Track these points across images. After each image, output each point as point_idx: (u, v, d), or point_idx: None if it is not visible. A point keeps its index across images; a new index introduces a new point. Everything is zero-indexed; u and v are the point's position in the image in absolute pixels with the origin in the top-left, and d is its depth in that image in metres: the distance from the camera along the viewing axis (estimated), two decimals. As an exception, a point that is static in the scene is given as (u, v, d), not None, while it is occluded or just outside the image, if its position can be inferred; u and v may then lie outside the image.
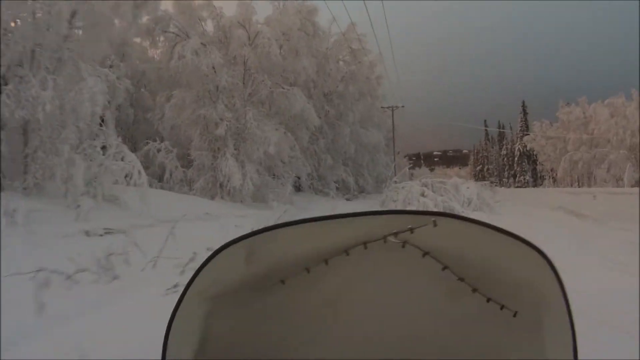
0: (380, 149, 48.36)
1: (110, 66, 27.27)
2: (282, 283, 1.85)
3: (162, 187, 23.35)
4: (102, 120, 23.74)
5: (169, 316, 1.48)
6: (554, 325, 1.54)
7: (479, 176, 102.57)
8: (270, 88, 23.91)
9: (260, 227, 1.58)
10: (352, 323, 1.99)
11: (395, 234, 1.60)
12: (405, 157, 69.81)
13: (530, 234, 1.68)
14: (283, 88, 24.20)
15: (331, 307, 1.97)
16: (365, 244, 1.70)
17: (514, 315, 1.74)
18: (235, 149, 22.45)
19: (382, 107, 52.22)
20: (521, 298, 1.70)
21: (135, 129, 28.27)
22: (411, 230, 1.56)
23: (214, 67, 22.29)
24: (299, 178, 30.51)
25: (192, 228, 12.47)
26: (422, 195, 20.31)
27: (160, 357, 1.47)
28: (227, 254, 1.52)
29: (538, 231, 15.06)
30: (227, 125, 21.85)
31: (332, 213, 1.62)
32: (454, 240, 1.65)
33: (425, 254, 1.75)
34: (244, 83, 23.71)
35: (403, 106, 57.51)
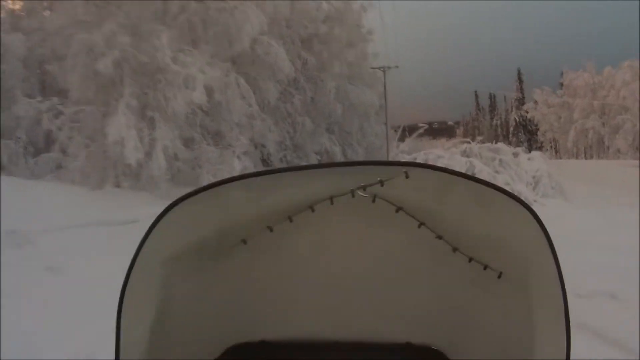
0: (372, 115, 38.58)
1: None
2: (244, 243, 1.61)
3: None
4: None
5: (122, 283, 1.23)
6: (542, 286, 1.33)
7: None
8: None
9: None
10: (324, 287, 1.75)
11: (364, 187, 1.37)
12: (391, 129, 60.10)
13: None
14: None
15: (299, 269, 1.74)
16: (331, 198, 1.47)
17: (499, 277, 1.53)
18: (139, 99, 12.50)
19: (372, 68, 42.15)
20: (506, 257, 1.49)
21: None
22: (381, 182, 1.34)
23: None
24: (264, 147, 20.65)
25: None
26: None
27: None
28: (180, 210, 1.29)
29: None
30: (119, 56, 11.85)
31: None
32: (430, 194, 1.43)
33: (399, 209, 1.55)
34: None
35: (397, 67, 47.59)
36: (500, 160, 12.56)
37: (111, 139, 11.30)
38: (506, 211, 1.29)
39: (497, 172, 11.65)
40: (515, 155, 13.62)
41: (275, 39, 19.55)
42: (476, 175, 10.80)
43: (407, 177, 1.29)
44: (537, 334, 1.37)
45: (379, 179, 1.33)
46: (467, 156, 12.51)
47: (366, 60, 36.09)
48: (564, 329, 1.23)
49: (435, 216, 1.54)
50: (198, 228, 1.45)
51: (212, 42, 14.68)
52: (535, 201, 11.23)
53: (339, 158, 27.82)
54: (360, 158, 34.67)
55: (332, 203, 1.48)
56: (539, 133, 72.69)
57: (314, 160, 24.89)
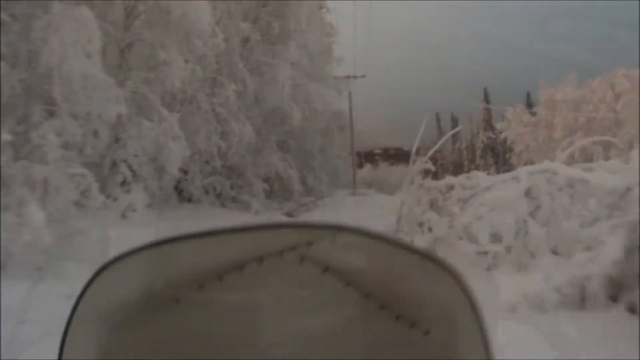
0: (335, 131, 29.90)
1: None
2: (177, 302, 1.18)
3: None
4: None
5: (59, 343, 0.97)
6: (467, 345, 1.07)
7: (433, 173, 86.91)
8: None
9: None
10: (254, 345, 1.20)
11: (293, 248, 1.06)
12: (348, 154, 51.99)
13: None
14: None
15: (229, 329, 1.22)
16: (260, 259, 1.10)
17: (425, 334, 1.17)
18: None
19: (335, 77, 33.76)
20: (431, 315, 1.15)
21: None
22: (309, 244, 1.05)
23: None
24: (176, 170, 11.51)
25: None
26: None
27: None
28: (114, 269, 1.00)
29: None
30: None
31: None
32: (357, 255, 1.11)
33: (325, 270, 1.16)
34: None
35: (364, 76, 39.38)
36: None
37: None
38: (429, 273, 1.01)
39: None
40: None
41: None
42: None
43: (334, 239, 1.00)
44: None
45: (306, 240, 1.03)
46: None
47: (330, 64, 27.88)
48: None
49: (363, 276, 1.16)
50: (132, 287, 1.08)
51: None
52: None
53: (297, 186, 18.99)
54: (324, 186, 26.07)
55: (260, 264, 1.14)
56: (513, 154, 66.31)
57: (259, 191, 15.80)
